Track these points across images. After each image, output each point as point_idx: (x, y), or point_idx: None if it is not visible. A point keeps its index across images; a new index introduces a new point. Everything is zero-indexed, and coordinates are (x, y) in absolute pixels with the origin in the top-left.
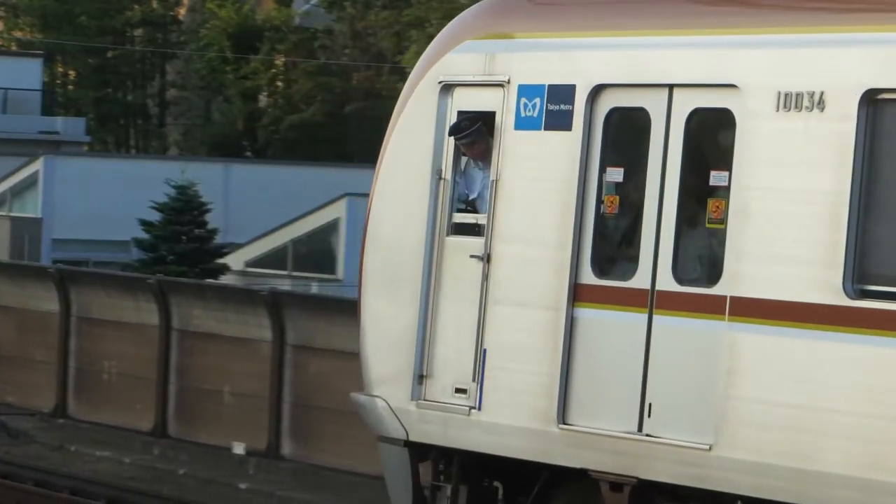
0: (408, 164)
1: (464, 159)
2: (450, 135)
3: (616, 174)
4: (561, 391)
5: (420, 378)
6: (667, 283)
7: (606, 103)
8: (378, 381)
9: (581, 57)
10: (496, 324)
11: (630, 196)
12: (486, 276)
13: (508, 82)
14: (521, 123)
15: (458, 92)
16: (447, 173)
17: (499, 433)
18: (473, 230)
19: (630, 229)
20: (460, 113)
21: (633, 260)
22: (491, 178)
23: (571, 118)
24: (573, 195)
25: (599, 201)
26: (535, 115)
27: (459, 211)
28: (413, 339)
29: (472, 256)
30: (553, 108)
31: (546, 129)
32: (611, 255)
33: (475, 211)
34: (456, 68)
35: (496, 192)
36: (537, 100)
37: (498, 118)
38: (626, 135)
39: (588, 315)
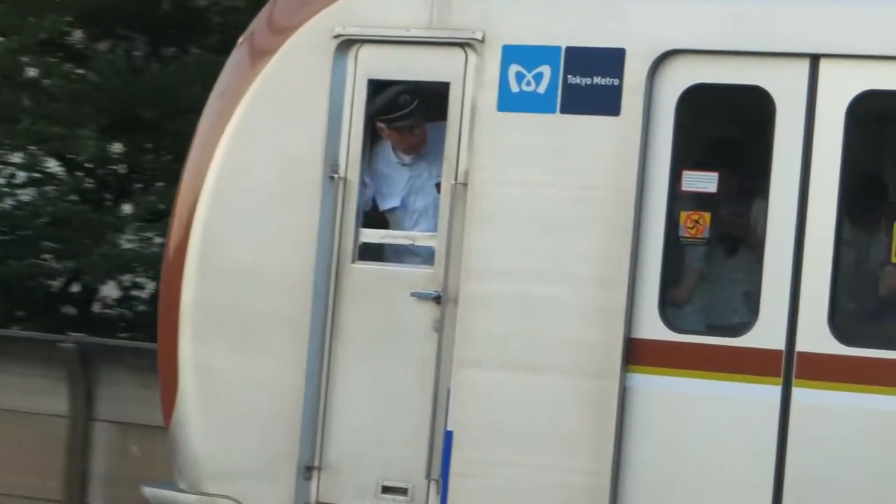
0: (272, 156)
1: (374, 152)
2: (374, 116)
3: (703, 181)
4: (611, 499)
5: (308, 470)
6: (818, 341)
7: (681, 77)
8: (222, 474)
9: (633, 6)
10: (469, 396)
11: (733, 213)
12: (442, 326)
13: (482, 41)
14: (511, 103)
15: (368, 52)
16: (349, 170)
17: None
18: (397, 254)
19: (736, 261)
20: (374, 83)
21: (745, 306)
22: (445, 181)
23: (618, 98)
24: (625, 210)
25: (672, 219)
26: (542, 90)
27: (368, 226)
28: (294, 411)
29: (414, 295)
30: (579, 81)
31: (565, 111)
32: (695, 299)
33: (395, 225)
34: (365, 15)
35: (462, 201)
36: (544, 69)
37: (456, 93)
38: (720, 125)
39: (654, 385)
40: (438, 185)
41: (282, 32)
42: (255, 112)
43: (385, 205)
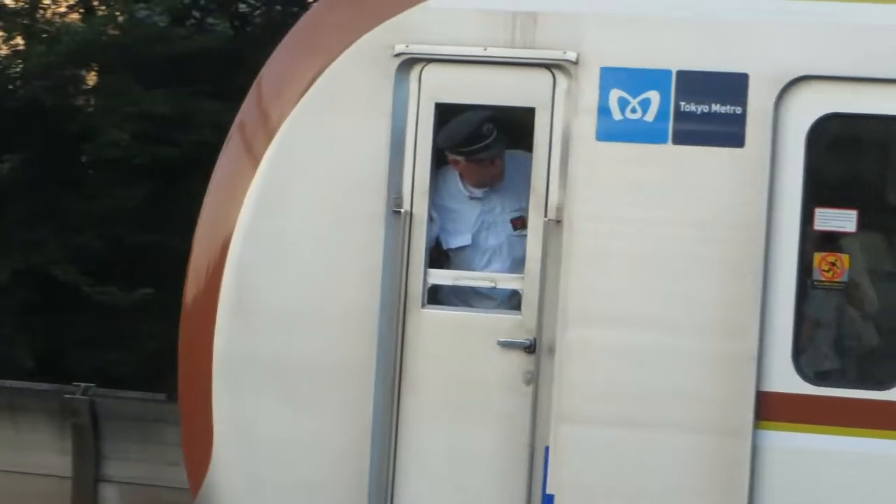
0: (321, 187)
1: (437, 184)
2: (448, 145)
3: (839, 219)
4: None
5: None
6: None
7: (814, 106)
8: None
9: (755, 28)
10: (573, 455)
11: (875, 254)
12: (537, 377)
13: (576, 62)
14: (614, 132)
15: (434, 72)
16: (415, 204)
17: None
18: (459, 297)
19: (879, 306)
20: (441, 106)
21: (892, 356)
22: (533, 217)
23: (742, 128)
24: (751, 251)
25: (804, 261)
26: (651, 118)
27: (435, 266)
28: (356, 474)
29: (502, 344)
30: (694, 109)
31: (679, 142)
32: (832, 348)
33: (462, 265)
34: (430, 31)
35: (556, 239)
36: (652, 94)
37: (543, 120)
38: (859, 157)
39: (789, 443)
40: (514, 221)
41: (331, 46)
42: (300, 137)
43: (453, 243)
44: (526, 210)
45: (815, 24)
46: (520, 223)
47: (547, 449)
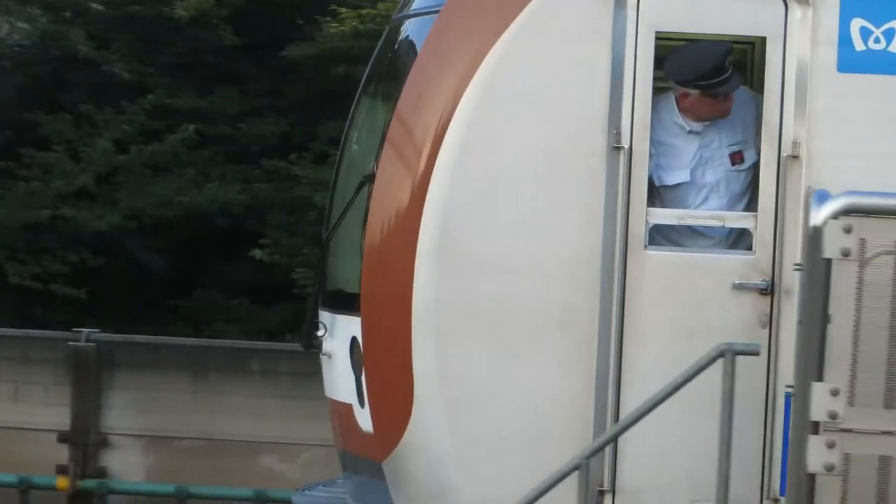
0: (535, 123)
1: (652, 118)
2: (689, 79)
3: None
4: None
5: (600, 495)
6: None
7: None
8: None
9: None
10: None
11: None
12: (773, 321)
13: None
14: (857, 63)
15: (653, 2)
16: (635, 139)
17: None
18: (672, 236)
19: None
20: (660, 36)
21: None
22: (766, 152)
23: None
24: None
25: None
26: (895, 49)
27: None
28: (576, 425)
29: (737, 287)
30: None
31: None
32: None
33: (677, 203)
34: None
35: (795, 175)
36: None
37: (775, 51)
38: None
39: None
40: (732, 156)
41: None
42: (508, 69)
43: (671, 179)
44: (746, 144)
45: None
46: (739, 158)
47: (788, 395)
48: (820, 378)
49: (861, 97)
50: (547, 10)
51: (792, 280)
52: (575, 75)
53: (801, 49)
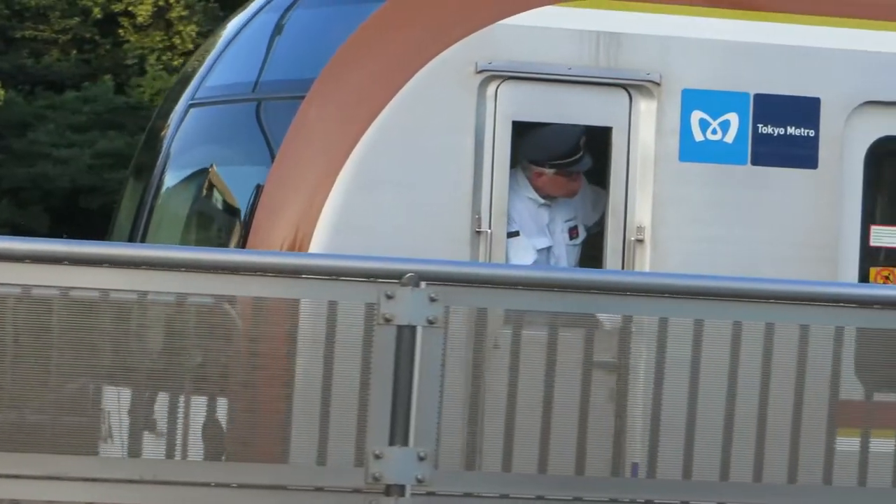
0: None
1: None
2: (544, 159)
3: (891, 236)
4: None
5: None
6: None
7: (872, 129)
8: None
9: (827, 55)
10: None
11: None
12: None
13: (659, 83)
14: (696, 152)
15: (511, 89)
16: (494, 224)
17: None
18: None
19: None
20: (518, 125)
21: None
22: (611, 236)
23: (815, 150)
24: (824, 268)
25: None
26: (730, 140)
27: None
28: None
29: None
30: (771, 131)
31: (758, 163)
32: None
33: None
34: (512, 49)
35: (640, 258)
36: (731, 116)
37: (620, 139)
38: None
39: None
40: (570, 230)
41: (408, 61)
42: (377, 155)
43: (538, 245)
44: (578, 220)
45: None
46: (575, 233)
47: None
48: None
49: (700, 185)
50: (414, 97)
51: None
52: (437, 161)
53: (646, 138)
